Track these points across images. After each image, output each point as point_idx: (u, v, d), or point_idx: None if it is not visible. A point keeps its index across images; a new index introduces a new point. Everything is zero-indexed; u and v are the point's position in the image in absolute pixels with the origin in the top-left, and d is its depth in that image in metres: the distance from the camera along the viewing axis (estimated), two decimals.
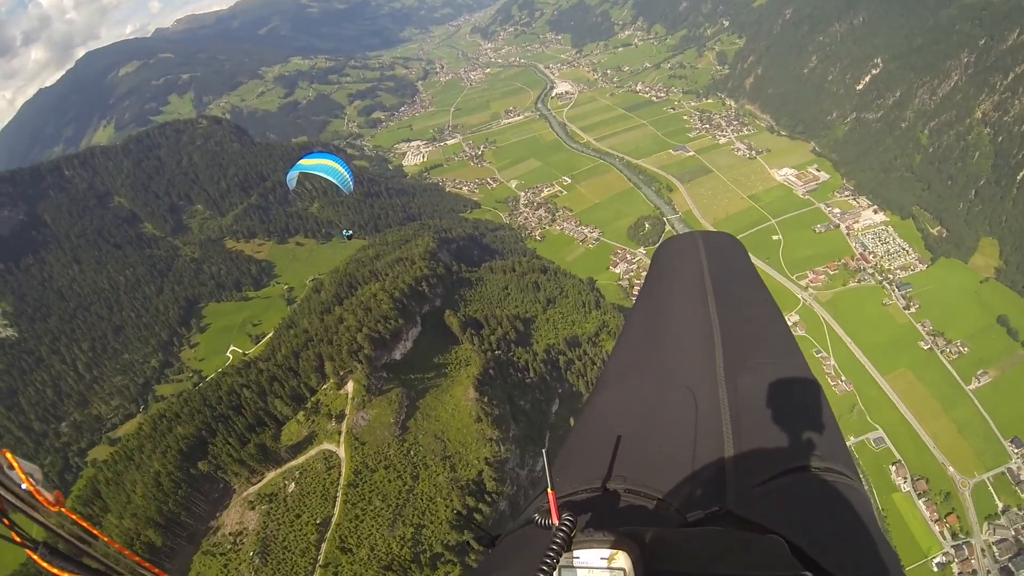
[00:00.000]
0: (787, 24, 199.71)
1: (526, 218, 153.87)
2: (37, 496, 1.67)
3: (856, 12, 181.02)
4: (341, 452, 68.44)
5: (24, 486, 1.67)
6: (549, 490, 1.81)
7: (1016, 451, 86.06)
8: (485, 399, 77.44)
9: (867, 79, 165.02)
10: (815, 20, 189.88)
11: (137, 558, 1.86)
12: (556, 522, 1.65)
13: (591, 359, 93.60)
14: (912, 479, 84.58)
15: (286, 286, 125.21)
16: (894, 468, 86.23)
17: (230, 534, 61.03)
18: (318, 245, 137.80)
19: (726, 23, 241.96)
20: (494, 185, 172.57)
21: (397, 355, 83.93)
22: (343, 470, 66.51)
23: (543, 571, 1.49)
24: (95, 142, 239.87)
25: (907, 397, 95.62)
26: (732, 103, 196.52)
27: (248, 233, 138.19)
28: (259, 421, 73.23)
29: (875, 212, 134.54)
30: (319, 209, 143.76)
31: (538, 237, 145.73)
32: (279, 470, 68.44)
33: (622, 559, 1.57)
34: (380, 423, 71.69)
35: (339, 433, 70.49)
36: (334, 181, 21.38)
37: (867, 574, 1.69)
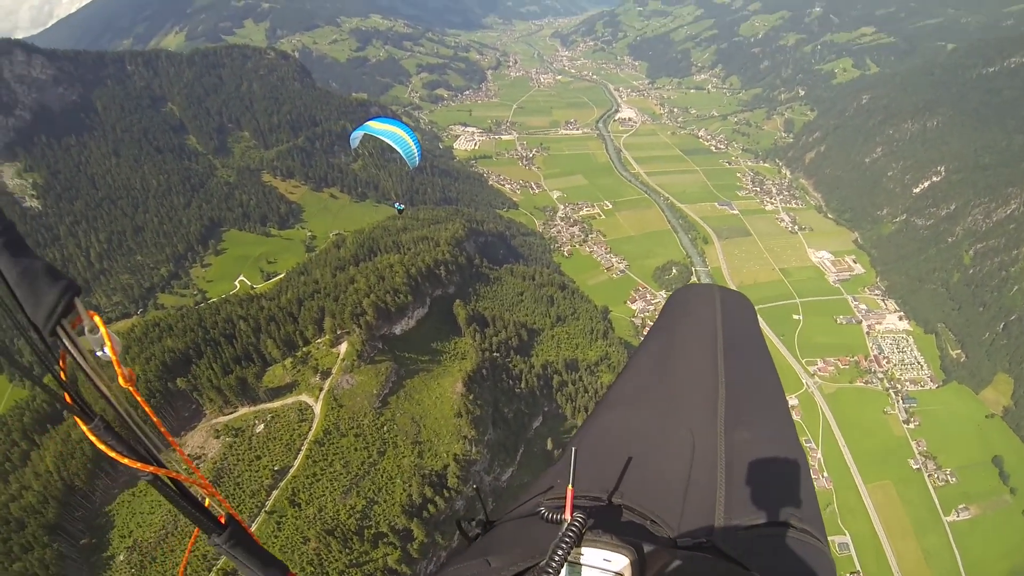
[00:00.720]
0: (861, 109, 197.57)
1: (559, 231, 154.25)
2: (117, 366, 1.69)
3: (932, 115, 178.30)
4: (317, 408, 68.53)
5: (106, 350, 1.68)
6: (569, 487, 2.02)
7: None
8: (471, 396, 77.62)
9: (926, 184, 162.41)
10: (889, 112, 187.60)
11: (186, 457, 1.85)
12: (569, 518, 1.80)
13: (584, 386, 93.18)
14: None
15: (310, 233, 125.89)
16: None
17: (189, 455, 60.76)
18: (351, 202, 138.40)
19: (802, 92, 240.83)
20: (536, 191, 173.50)
21: (398, 330, 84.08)
22: (314, 426, 66.65)
23: (555, 560, 1.62)
24: (163, 45, 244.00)
25: (883, 511, 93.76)
26: (788, 173, 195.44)
27: (287, 172, 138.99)
28: (247, 355, 73.27)
29: (900, 318, 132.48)
30: (361, 168, 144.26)
31: (566, 253, 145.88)
32: (252, 408, 68.72)
33: (622, 564, 1.75)
34: (363, 391, 71.98)
35: (320, 389, 70.52)
36: (400, 151, 21.43)
37: None
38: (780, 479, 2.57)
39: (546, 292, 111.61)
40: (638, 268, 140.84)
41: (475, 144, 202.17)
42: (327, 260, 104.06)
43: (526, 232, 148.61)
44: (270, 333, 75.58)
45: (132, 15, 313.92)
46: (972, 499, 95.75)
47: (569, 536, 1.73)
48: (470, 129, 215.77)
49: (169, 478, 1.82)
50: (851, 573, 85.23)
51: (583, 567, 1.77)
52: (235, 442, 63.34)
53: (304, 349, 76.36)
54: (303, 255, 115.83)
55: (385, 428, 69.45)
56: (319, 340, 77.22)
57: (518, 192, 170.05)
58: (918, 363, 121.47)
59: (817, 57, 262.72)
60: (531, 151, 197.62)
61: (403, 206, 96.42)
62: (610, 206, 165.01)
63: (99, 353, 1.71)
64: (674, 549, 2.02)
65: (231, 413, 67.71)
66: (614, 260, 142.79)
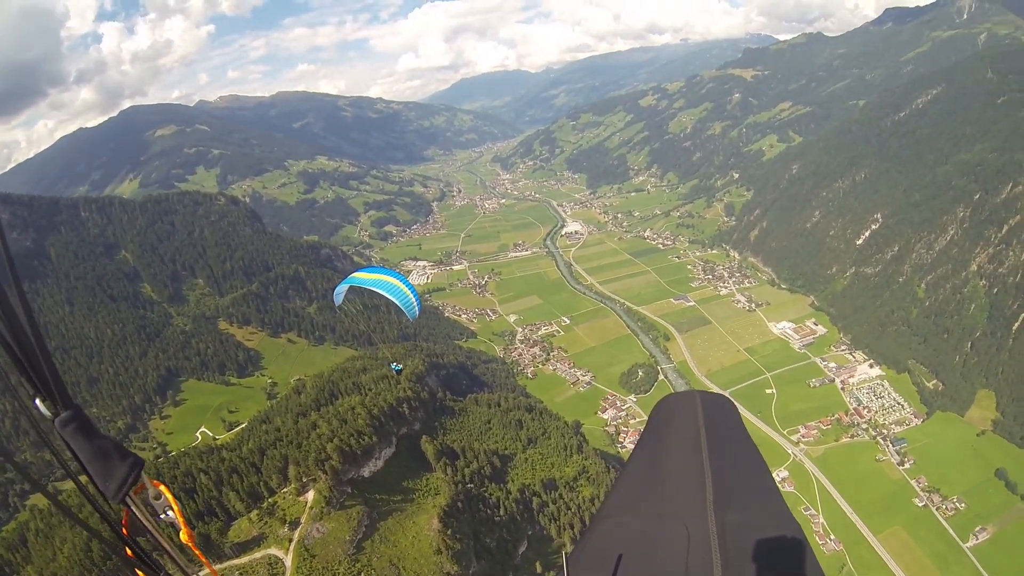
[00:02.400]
0: (793, 179, 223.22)
1: (520, 354, 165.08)
2: (183, 525, 2.20)
3: (859, 169, 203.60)
4: (288, 560, 70.88)
5: (172, 514, 2.20)
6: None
7: None
8: (449, 531, 79.87)
9: (867, 234, 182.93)
10: (820, 176, 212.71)
11: None
12: None
13: (566, 503, 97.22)
14: None
15: (270, 380, 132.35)
16: None
17: None
18: (309, 346, 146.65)
19: (736, 175, 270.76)
20: (493, 317, 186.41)
21: (366, 472, 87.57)
22: None
23: None
24: (119, 192, 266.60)
25: (900, 558, 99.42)
26: (736, 255, 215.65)
27: (243, 319, 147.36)
28: (209, 510, 75.60)
29: (871, 367, 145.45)
30: (316, 311, 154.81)
31: (530, 375, 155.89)
32: (219, 566, 70.16)
33: None
34: (335, 538, 74.27)
35: (290, 541, 73.07)
36: (397, 303, 22.13)
37: None
38: (775, 552, 2.92)
39: (513, 416, 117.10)
40: (604, 377, 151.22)
41: (427, 278, 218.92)
42: (288, 406, 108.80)
43: (487, 359, 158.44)
44: (232, 485, 78.84)
45: (88, 161, 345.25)
46: (986, 519, 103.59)
47: None
48: (421, 263, 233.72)
49: None
50: None
51: None
52: None
53: (270, 500, 79.44)
54: (264, 403, 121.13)
55: (362, 574, 71.80)
56: (285, 489, 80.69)
57: (475, 321, 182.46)
58: (898, 404, 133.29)
59: (744, 140, 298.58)
60: (483, 278, 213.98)
61: (400, 367, 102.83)
62: (568, 321, 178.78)
63: (163, 516, 2.22)
64: None
65: (196, 573, 71.22)
66: (579, 374, 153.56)
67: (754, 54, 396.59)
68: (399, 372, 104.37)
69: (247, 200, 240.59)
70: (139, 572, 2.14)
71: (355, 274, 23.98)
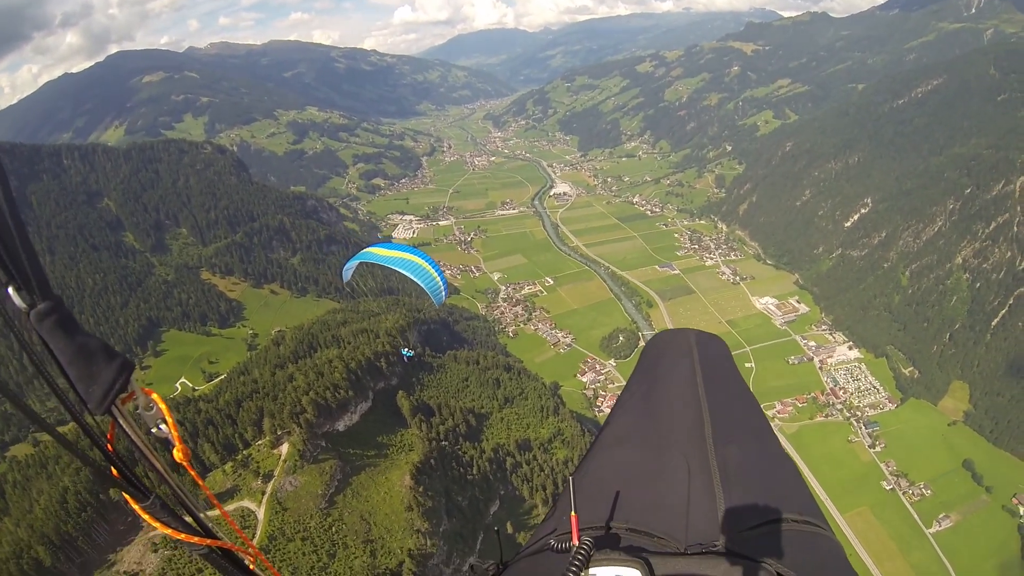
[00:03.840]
0: (786, 156, 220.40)
1: (503, 313, 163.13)
2: (179, 443, 1.95)
3: (852, 152, 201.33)
4: (260, 513, 70.09)
5: (165, 428, 1.92)
6: (572, 513, 2.33)
7: None
8: (420, 488, 79.57)
9: (856, 217, 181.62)
10: (813, 155, 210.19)
11: (237, 528, 2.68)
12: (576, 542, 2.02)
13: (539, 465, 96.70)
14: None
15: (251, 331, 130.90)
16: None
17: (124, 573, 62.33)
18: (292, 297, 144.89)
19: (729, 148, 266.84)
20: (477, 274, 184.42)
21: (341, 426, 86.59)
22: (258, 532, 67.71)
23: None
24: (103, 139, 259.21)
25: (864, 537, 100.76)
26: (724, 227, 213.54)
27: (226, 269, 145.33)
28: None
29: (850, 348, 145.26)
30: (300, 262, 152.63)
31: (511, 334, 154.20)
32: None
33: None
34: (307, 492, 73.47)
35: (262, 493, 72.22)
36: (423, 286, 20.45)
37: None
38: (773, 482, 3.06)
39: (491, 375, 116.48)
40: (585, 340, 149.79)
41: (414, 232, 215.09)
42: (267, 358, 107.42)
43: (469, 316, 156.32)
44: (208, 437, 78.14)
45: (72, 108, 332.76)
46: (950, 507, 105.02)
47: (578, 559, 1.91)
48: (408, 217, 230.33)
49: (221, 549, 2.07)
50: None
51: None
52: (174, 555, 63.80)
53: (244, 452, 78.56)
54: (245, 354, 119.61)
55: (333, 529, 70.91)
56: (259, 442, 79.74)
57: (459, 277, 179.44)
58: (874, 387, 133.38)
59: (740, 113, 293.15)
60: (469, 235, 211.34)
61: (412, 352, 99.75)
62: (551, 282, 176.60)
63: (153, 430, 1.92)
64: (684, 556, 2.32)
65: (193, 495, 69.82)
66: (560, 335, 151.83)
67: (756, 28, 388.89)
68: (411, 358, 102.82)
69: (235, 149, 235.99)
70: (126, 496, 1.87)
71: (370, 248, 21.55)
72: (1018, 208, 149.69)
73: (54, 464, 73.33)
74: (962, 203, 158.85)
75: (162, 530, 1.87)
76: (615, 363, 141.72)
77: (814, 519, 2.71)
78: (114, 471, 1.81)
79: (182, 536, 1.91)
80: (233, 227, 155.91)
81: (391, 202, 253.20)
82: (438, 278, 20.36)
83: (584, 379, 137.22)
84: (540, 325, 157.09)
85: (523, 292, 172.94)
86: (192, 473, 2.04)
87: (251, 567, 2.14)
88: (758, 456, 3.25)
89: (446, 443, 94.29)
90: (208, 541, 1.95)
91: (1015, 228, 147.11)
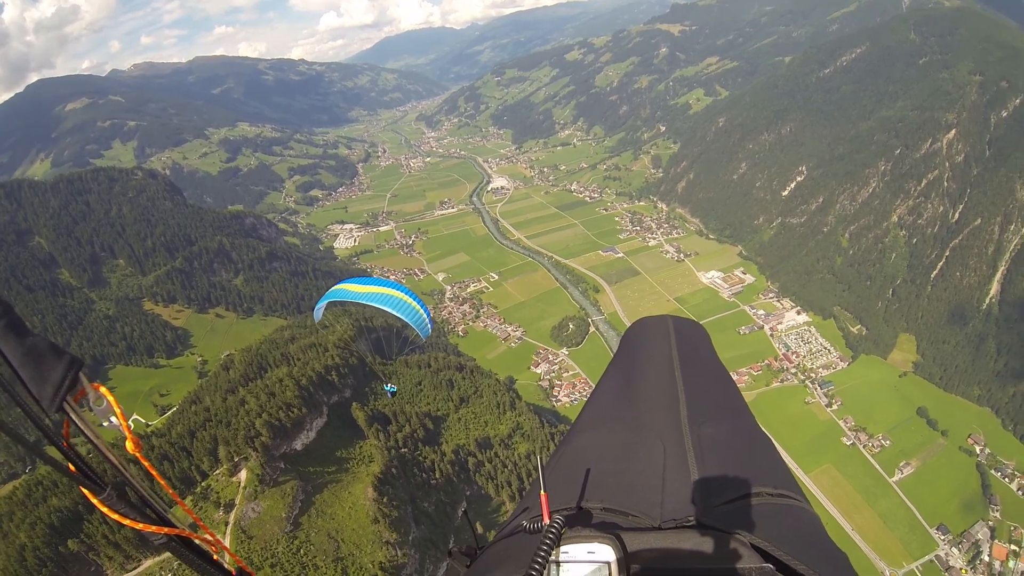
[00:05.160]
0: (720, 132, 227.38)
1: (450, 312, 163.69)
2: (129, 434, 2.04)
3: (784, 123, 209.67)
4: (225, 544, 70.22)
5: (115, 420, 2.02)
6: (542, 492, 2.40)
7: (943, 538, 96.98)
8: (384, 499, 79.67)
9: (792, 186, 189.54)
10: (746, 129, 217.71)
11: (194, 515, 2.42)
12: (547, 521, 2.09)
13: (502, 461, 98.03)
14: None
15: (200, 358, 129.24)
16: None
17: None
18: (238, 319, 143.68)
19: (663, 128, 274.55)
20: (421, 276, 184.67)
21: (298, 445, 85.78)
22: (225, 564, 68.15)
23: (538, 562, 1.88)
24: (29, 174, 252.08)
25: (831, 493, 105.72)
26: (664, 206, 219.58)
27: (168, 297, 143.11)
28: (143, 502, 74.15)
29: (798, 313, 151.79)
30: (243, 283, 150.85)
31: (461, 333, 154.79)
32: (157, 558, 68.77)
33: (606, 552, 2.05)
34: (271, 516, 72.99)
35: (226, 524, 71.52)
36: (408, 322, 20.16)
37: (820, 566, 2.16)
38: (748, 458, 3.09)
39: (444, 376, 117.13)
40: (535, 332, 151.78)
41: (355, 240, 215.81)
42: (217, 384, 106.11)
43: None
44: (164, 472, 75.12)
45: None
46: (910, 454, 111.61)
47: (550, 537, 1.97)
48: (348, 226, 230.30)
49: (180, 537, 2.15)
50: None
51: (570, 563, 2.02)
52: None
53: (203, 484, 77.81)
54: (196, 382, 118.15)
55: (302, 551, 70.56)
56: (217, 471, 79.05)
57: (403, 281, 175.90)
58: (825, 348, 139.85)
59: (671, 93, 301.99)
60: (410, 238, 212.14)
61: (395, 388, 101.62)
62: (496, 277, 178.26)
63: (105, 424, 2.05)
64: (657, 531, 2.40)
65: (134, 568, 67.60)
66: (510, 329, 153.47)
67: (682, 9, 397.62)
68: (394, 394, 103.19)
69: (167, 172, 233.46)
70: (84, 490, 1.96)
71: (341, 285, 20.52)
72: (946, 164, 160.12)
73: (7, 522, 70.47)
74: (893, 164, 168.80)
75: (121, 521, 1.94)
76: (567, 352, 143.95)
77: (789, 492, 2.81)
78: (71, 467, 1.89)
79: (140, 526, 1.98)
80: (172, 253, 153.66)
81: (330, 212, 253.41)
82: (421, 310, 20.19)
83: (538, 371, 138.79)
84: (489, 321, 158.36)
85: (469, 290, 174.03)
86: (145, 463, 2.20)
87: (214, 556, 2.29)
88: (733, 434, 3.34)
89: (405, 450, 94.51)
90: (166, 530, 2.03)
91: (945, 183, 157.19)
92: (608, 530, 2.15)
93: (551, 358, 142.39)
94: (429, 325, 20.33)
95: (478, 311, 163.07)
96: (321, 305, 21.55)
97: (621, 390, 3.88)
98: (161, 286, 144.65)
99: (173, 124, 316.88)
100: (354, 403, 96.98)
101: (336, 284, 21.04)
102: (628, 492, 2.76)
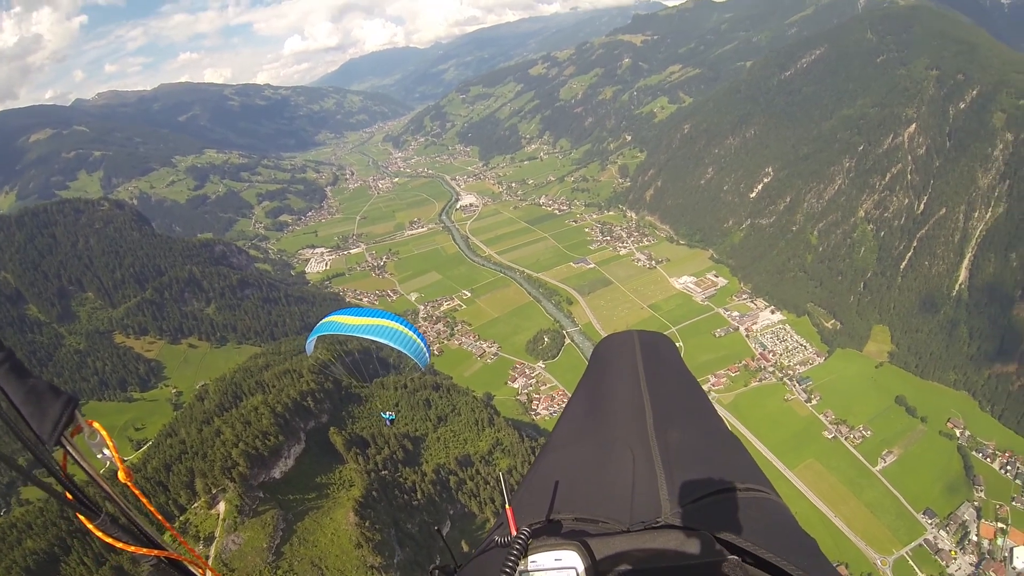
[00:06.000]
0: (685, 138, 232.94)
1: (424, 331, 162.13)
2: (121, 465, 2.30)
3: (748, 126, 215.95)
4: (211, 566, 69.55)
5: (108, 452, 2.28)
6: (507, 506, 2.51)
7: (930, 522, 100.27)
8: (366, 523, 79.84)
9: (759, 187, 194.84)
10: (711, 135, 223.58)
11: (182, 539, 2.95)
12: (514, 533, 2.21)
13: (484, 478, 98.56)
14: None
15: (175, 389, 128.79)
16: None
17: None
18: (212, 349, 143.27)
19: (628, 137, 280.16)
20: (394, 297, 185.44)
21: (277, 473, 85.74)
22: None
23: (506, 573, 2.01)
24: None
25: (816, 487, 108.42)
26: (633, 215, 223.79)
27: (139, 329, 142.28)
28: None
29: (772, 312, 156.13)
30: (215, 311, 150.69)
31: (436, 351, 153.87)
32: None
33: (573, 558, 2.14)
34: (252, 547, 72.93)
35: (207, 558, 69.32)
36: (406, 352, 20.34)
37: (788, 553, 2.26)
38: (714, 457, 3.24)
39: (421, 396, 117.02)
40: (510, 347, 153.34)
41: (326, 264, 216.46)
42: (192, 416, 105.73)
43: None
44: (141, 508, 76.68)
45: None
46: (892, 442, 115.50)
47: (516, 547, 2.10)
48: (319, 250, 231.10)
49: (169, 559, 2.42)
50: None
51: (538, 572, 2.12)
52: None
53: (181, 518, 77.04)
54: (171, 414, 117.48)
55: None
56: (195, 505, 78.51)
57: (376, 303, 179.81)
58: (801, 345, 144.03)
59: (635, 103, 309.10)
60: (381, 259, 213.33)
61: (393, 416, 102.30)
62: (469, 294, 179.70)
63: (99, 456, 2.29)
64: (625, 534, 2.47)
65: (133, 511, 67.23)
66: (485, 346, 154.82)
67: (643, 20, 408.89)
68: (393, 422, 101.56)
69: (135, 202, 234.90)
70: (80, 516, 2.20)
71: (332, 317, 20.59)
72: (909, 158, 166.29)
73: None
74: (857, 160, 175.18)
75: (114, 544, 2.19)
76: (544, 364, 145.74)
77: (757, 486, 2.92)
78: (68, 495, 2.15)
79: (132, 548, 2.23)
80: (141, 284, 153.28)
81: (300, 237, 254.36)
82: (418, 340, 20.02)
83: (515, 385, 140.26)
84: (464, 339, 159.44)
85: (442, 308, 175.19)
86: (135, 491, 2.51)
87: None
88: (699, 436, 3.50)
89: (386, 472, 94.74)
90: (156, 552, 2.29)
91: (908, 176, 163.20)
92: (576, 537, 2.26)
93: (528, 372, 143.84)
94: (427, 354, 20.46)
95: (452, 329, 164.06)
96: (312, 339, 21.89)
97: (590, 406, 4.09)
98: (132, 318, 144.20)
99: (139, 153, 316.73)
100: (331, 428, 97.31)
101: (327, 316, 21.18)
102: (599, 501, 2.88)
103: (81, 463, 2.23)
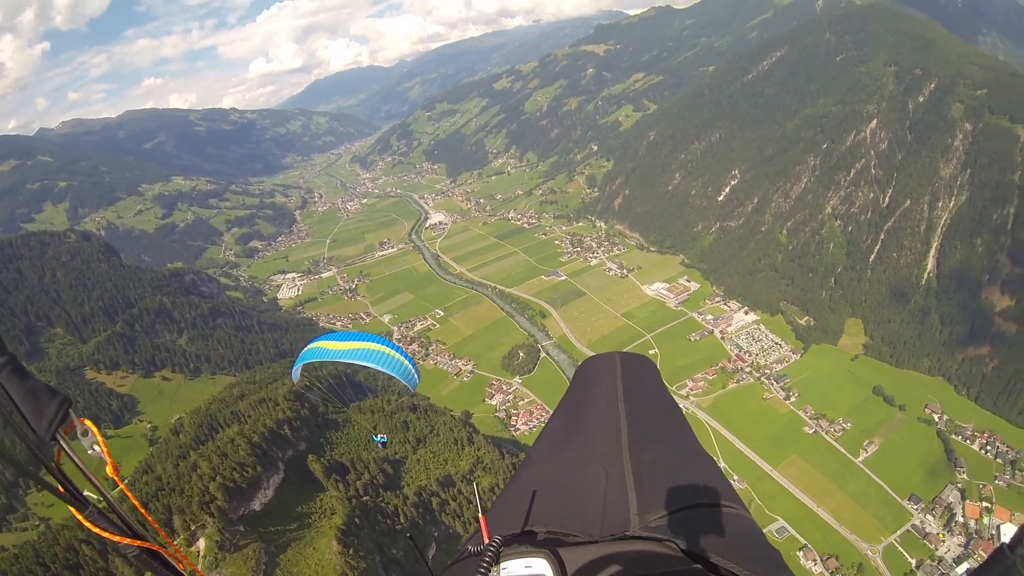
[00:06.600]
0: (651, 145, 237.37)
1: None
2: (109, 461, 2.57)
3: (713, 131, 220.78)
4: (187, 559, 68.92)
5: (98, 449, 2.57)
6: (480, 515, 2.69)
7: (915, 507, 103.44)
8: (350, 551, 78.13)
9: (727, 190, 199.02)
10: (676, 140, 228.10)
11: (163, 532, 3.07)
12: (487, 541, 2.32)
13: (466, 498, 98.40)
14: (822, 559, 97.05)
15: (149, 424, 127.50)
16: (802, 553, 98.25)
17: None
18: (186, 380, 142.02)
19: (595, 147, 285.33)
20: (367, 320, 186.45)
21: (256, 505, 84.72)
22: None
23: None
24: None
25: (801, 482, 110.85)
26: (602, 224, 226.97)
27: (111, 363, 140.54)
28: None
29: (745, 313, 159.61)
30: (187, 342, 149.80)
31: None
32: None
33: (542, 565, 2.30)
34: None
35: None
36: (395, 376, 20.27)
37: (750, 564, 2.39)
38: (685, 475, 3.35)
39: (398, 418, 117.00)
40: (486, 364, 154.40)
41: (298, 289, 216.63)
42: (168, 451, 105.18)
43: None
44: (118, 550, 75.29)
45: None
46: (872, 432, 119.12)
47: (488, 555, 2.19)
48: (290, 275, 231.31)
49: (151, 551, 2.67)
50: (800, 549, 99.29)
51: None
52: None
53: None
54: (147, 450, 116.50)
55: None
56: (175, 542, 73.70)
57: (350, 326, 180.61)
58: (776, 344, 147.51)
59: (600, 112, 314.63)
60: (353, 282, 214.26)
61: (385, 438, 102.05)
62: (442, 313, 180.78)
63: (90, 452, 2.56)
64: (594, 544, 2.61)
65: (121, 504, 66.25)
66: (460, 364, 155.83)
67: (606, 30, 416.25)
68: (384, 445, 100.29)
69: (102, 233, 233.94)
70: (70, 508, 2.48)
71: (319, 343, 20.25)
72: (872, 153, 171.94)
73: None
74: (821, 158, 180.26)
75: (100, 534, 2.49)
76: (520, 380, 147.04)
77: (726, 501, 3.08)
78: (60, 487, 2.47)
79: (117, 538, 2.52)
80: (111, 317, 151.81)
81: (271, 263, 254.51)
82: (406, 362, 19.46)
83: (493, 402, 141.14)
84: (439, 358, 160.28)
85: (416, 329, 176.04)
86: (121, 485, 2.84)
87: (181, 569, 2.83)
88: (672, 455, 3.69)
89: (367, 498, 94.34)
90: (138, 542, 2.58)
91: (872, 171, 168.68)
92: (546, 546, 2.43)
93: (505, 388, 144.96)
94: (416, 376, 19.99)
95: (427, 349, 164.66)
96: (297, 367, 21.37)
97: (568, 425, 4.29)
98: (103, 353, 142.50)
99: (105, 182, 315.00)
100: (310, 455, 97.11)
101: (311, 342, 20.69)
102: (571, 516, 3.02)
103: (73, 457, 2.49)
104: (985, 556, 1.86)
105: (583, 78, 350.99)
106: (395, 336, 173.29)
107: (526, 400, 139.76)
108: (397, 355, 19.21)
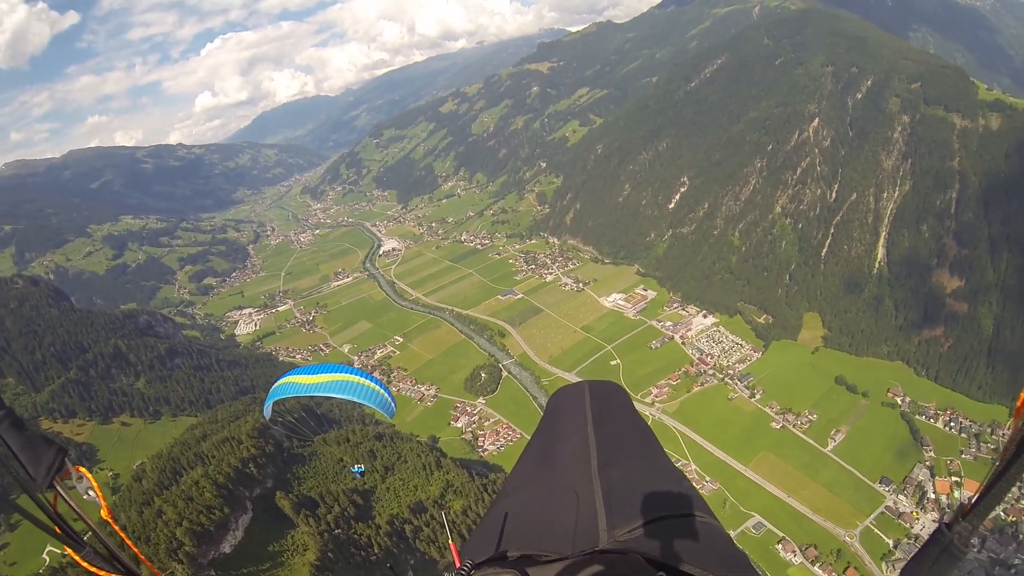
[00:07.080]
0: (599, 158, 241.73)
1: None
2: (103, 503, 2.77)
3: (660, 140, 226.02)
4: None
5: (93, 493, 2.76)
6: (450, 542, 3.11)
7: (887, 489, 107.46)
8: None
9: (677, 197, 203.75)
10: (624, 152, 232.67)
11: (155, 570, 3.10)
12: (458, 566, 2.51)
13: (439, 523, 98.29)
14: (801, 549, 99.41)
15: (111, 472, 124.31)
16: (780, 546, 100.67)
17: None
18: (146, 424, 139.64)
19: (543, 164, 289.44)
20: (327, 351, 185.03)
21: (227, 548, 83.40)
22: None
23: None
24: None
25: (773, 477, 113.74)
26: (555, 240, 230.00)
27: (67, 411, 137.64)
28: None
29: (704, 317, 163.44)
30: (145, 384, 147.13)
31: None
32: None
33: None
34: None
35: None
36: (372, 406, 20.34)
37: (716, 567, 2.51)
38: (653, 490, 3.46)
39: (364, 448, 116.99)
40: (448, 387, 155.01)
41: (255, 325, 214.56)
42: (132, 498, 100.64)
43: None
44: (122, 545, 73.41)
45: None
46: (838, 421, 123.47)
47: None
48: (247, 311, 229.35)
49: None
50: (778, 542, 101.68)
51: None
52: None
53: None
54: (110, 499, 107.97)
55: None
56: None
57: (309, 359, 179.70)
58: (737, 344, 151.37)
59: (547, 129, 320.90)
60: (310, 313, 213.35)
61: (362, 468, 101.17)
62: (401, 339, 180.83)
63: (85, 496, 2.77)
64: (562, 561, 2.71)
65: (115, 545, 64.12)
66: (423, 389, 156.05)
67: (548, 47, 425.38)
68: (362, 475, 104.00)
69: (51, 277, 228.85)
70: (67, 548, 2.68)
71: (290, 378, 20.02)
72: (816, 151, 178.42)
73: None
74: (768, 159, 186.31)
75: (97, 573, 2.65)
76: (484, 400, 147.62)
77: (695, 511, 3.26)
78: (57, 529, 2.65)
79: None
80: (64, 364, 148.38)
81: (226, 299, 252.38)
82: (381, 391, 19.61)
83: (459, 424, 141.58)
84: (401, 384, 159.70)
85: (376, 356, 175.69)
86: (115, 527, 3.06)
87: None
88: (640, 472, 3.83)
89: (339, 531, 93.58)
90: None
91: (818, 168, 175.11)
92: (516, 565, 2.61)
93: (469, 410, 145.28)
94: (393, 404, 20.14)
95: (388, 376, 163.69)
96: (269, 404, 21.08)
97: (540, 455, 4.46)
98: (57, 401, 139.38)
99: (52, 224, 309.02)
100: (278, 492, 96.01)
101: (281, 377, 20.44)
102: (543, 538, 3.19)
103: (69, 502, 2.71)
104: None
105: (528, 96, 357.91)
106: (356, 365, 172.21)
107: (492, 420, 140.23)
108: (372, 384, 19.29)
